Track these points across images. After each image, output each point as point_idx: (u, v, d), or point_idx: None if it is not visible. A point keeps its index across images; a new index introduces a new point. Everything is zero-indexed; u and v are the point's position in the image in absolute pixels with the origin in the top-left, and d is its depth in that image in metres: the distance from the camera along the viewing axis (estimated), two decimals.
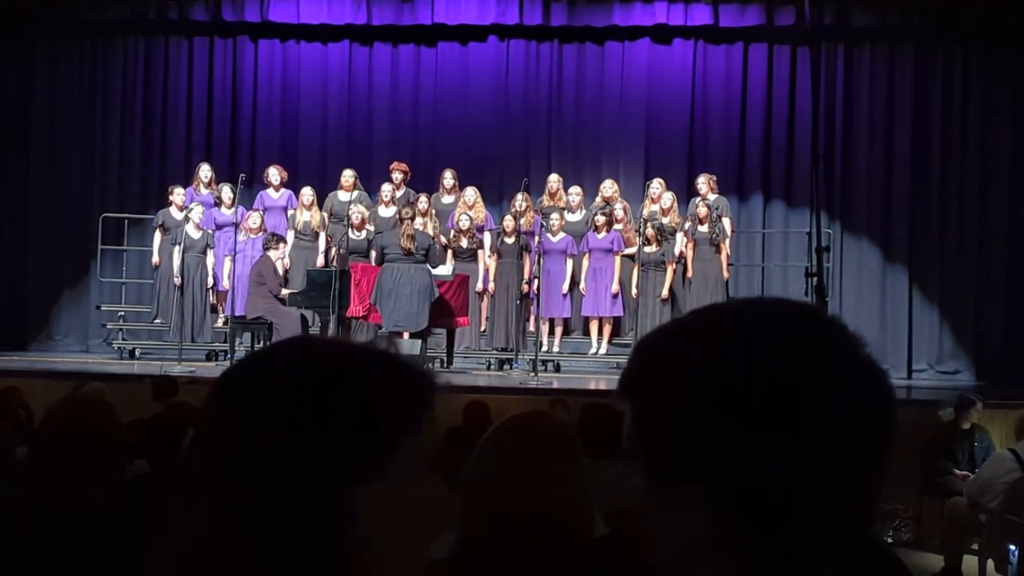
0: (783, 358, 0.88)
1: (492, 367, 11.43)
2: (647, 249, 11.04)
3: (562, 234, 11.32)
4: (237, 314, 10.93)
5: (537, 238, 10.97)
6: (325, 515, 0.92)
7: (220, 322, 11.61)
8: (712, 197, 11.51)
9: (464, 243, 11.27)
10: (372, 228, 11.31)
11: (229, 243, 11.41)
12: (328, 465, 0.92)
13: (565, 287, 11.35)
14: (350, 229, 11.07)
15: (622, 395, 0.94)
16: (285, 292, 10.86)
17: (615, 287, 11.26)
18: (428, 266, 10.25)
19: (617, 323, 11.55)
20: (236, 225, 11.41)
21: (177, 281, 11.32)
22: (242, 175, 11.56)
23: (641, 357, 0.95)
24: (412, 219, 10.44)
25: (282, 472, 0.91)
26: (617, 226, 11.45)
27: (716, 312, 0.95)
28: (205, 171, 12.12)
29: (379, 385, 0.96)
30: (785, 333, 0.90)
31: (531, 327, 11.24)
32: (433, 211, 11.58)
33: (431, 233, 10.98)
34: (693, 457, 0.88)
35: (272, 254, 10.97)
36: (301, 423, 0.92)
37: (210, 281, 11.49)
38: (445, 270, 10.72)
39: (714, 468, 0.87)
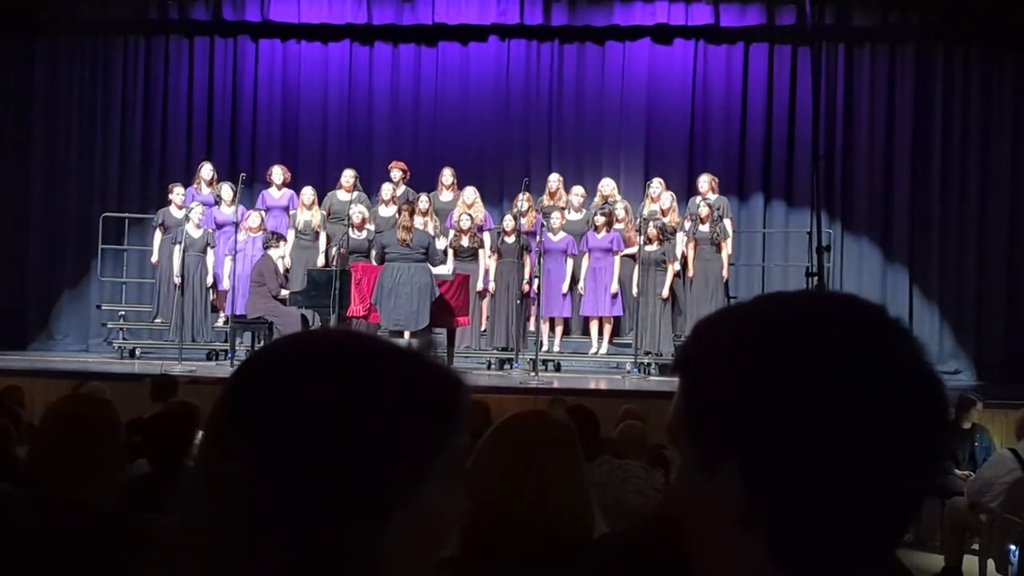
0: (841, 354, 0.89)
1: (492, 367, 11.43)
2: (648, 248, 11.03)
3: (562, 233, 11.32)
4: (237, 313, 10.93)
5: (538, 237, 10.96)
6: (353, 536, 0.88)
7: (220, 321, 11.61)
8: (713, 197, 11.51)
9: (465, 243, 11.27)
10: (372, 228, 11.31)
11: (229, 242, 11.41)
12: (362, 487, 0.88)
13: (565, 287, 11.35)
14: (351, 229, 11.07)
15: (675, 371, 0.95)
16: (284, 293, 10.86)
17: (614, 287, 11.26)
18: (428, 265, 10.25)
19: (617, 323, 11.56)
20: (236, 224, 11.41)
21: (177, 280, 11.31)
22: (243, 174, 11.57)
23: (699, 335, 0.96)
24: (412, 214, 10.44)
25: (304, 495, 0.87)
26: (618, 225, 11.45)
27: (782, 298, 0.96)
28: (207, 170, 12.12)
29: (419, 396, 0.92)
30: (847, 329, 0.91)
31: (531, 327, 11.25)
32: (433, 211, 11.58)
33: (432, 233, 10.99)
34: (737, 434, 0.89)
35: (273, 253, 10.97)
36: (330, 442, 0.88)
37: (210, 280, 11.48)
38: (445, 270, 10.72)
39: (754, 446, 0.88)
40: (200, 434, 0.96)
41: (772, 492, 0.88)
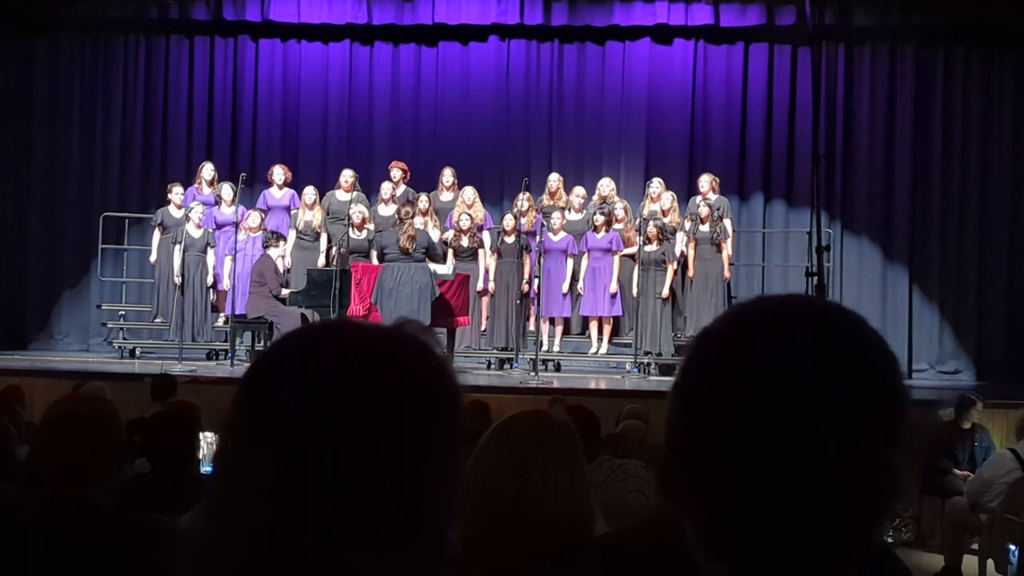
0: (789, 361, 0.88)
1: (493, 366, 11.44)
2: (648, 248, 11.04)
3: (563, 233, 11.33)
4: (238, 313, 10.94)
5: (538, 237, 10.97)
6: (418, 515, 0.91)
7: (221, 321, 11.61)
8: (713, 197, 11.51)
9: (465, 243, 11.28)
10: (372, 228, 11.32)
11: (229, 242, 11.41)
12: (405, 464, 0.90)
13: (565, 286, 11.36)
14: (351, 228, 11.08)
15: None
16: (284, 292, 10.86)
17: (613, 287, 11.27)
18: (428, 265, 10.26)
19: (617, 323, 11.56)
20: (236, 224, 11.42)
21: (178, 280, 11.32)
22: (243, 174, 11.58)
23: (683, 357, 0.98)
24: (412, 218, 10.44)
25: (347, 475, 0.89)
26: (617, 225, 11.45)
27: (760, 300, 0.96)
28: (208, 170, 12.11)
29: (433, 375, 0.95)
30: (791, 337, 0.90)
31: (531, 326, 11.25)
32: (434, 210, 11.58)
33: (431, 234, 10.99)
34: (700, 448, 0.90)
35: (272, 252, 10.97)
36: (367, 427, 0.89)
37: (210, 280, 11.48)
38: (446, 269, 10.73)
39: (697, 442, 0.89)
40: (213, 437, 0.95)
41: (716, 492, 0.89)
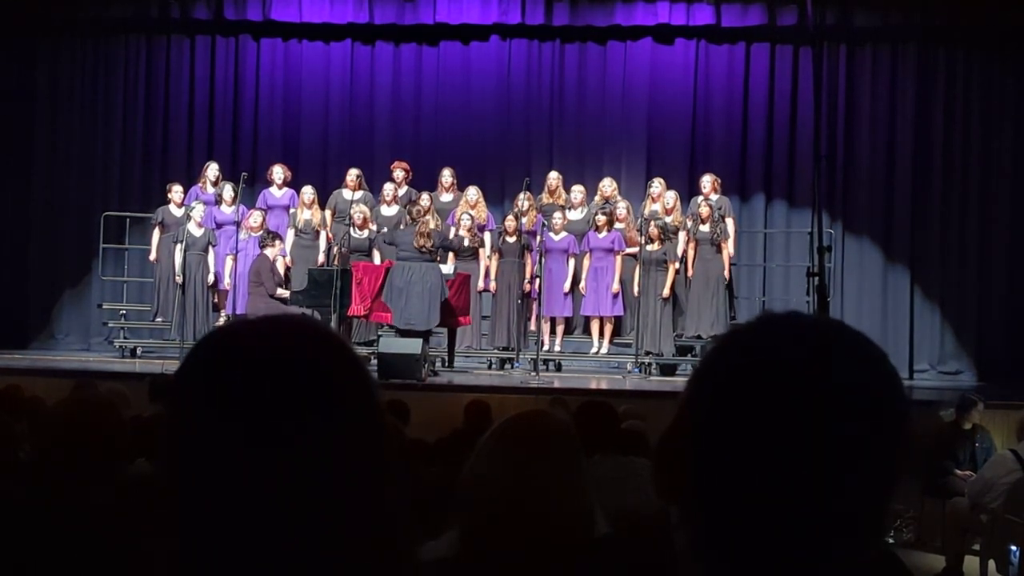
0: (786, 374, 0.89)
1: (493, 366, 11.43)
2: (649, 248, 11.03)
3: (564, 233, 11.33)
4: (239, 313, 10.93)
5: (539, 237, 10.96)
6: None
7: (222, 321, 11.60)
8: (715, 197, 11.51)
9: (466, 242, 11.28)
10: (374, 228, 11.33)
11: (231, 242, 11.42)
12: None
13: (567, 286, 11.36)
14: (352, 228, 11.08)
15: None
16: (281, 292, 10.86)
17: (615, 286, 11.26)
18: (438, 265, 10.27)
19: (618, 323, 11.56)
20: (237, 224, 11.42)
21: (179, 280, 11.32)
22: (244, 174, 11.58)
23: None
24: (424, 215, 10.47)
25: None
26: (619, 225, 11.45)
27: (737, 330, 0.97)
28: (213, 170, 12.11)
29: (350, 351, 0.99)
30: (790, 351, 0.91)
31: (532, 326, 11.25)
32: (434, 211, 11.59)
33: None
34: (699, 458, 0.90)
35: (269, 252, 10.95)
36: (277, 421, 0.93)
37: (211, 280, 11.49)
38: (447, 269, 10.72)
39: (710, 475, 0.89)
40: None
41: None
